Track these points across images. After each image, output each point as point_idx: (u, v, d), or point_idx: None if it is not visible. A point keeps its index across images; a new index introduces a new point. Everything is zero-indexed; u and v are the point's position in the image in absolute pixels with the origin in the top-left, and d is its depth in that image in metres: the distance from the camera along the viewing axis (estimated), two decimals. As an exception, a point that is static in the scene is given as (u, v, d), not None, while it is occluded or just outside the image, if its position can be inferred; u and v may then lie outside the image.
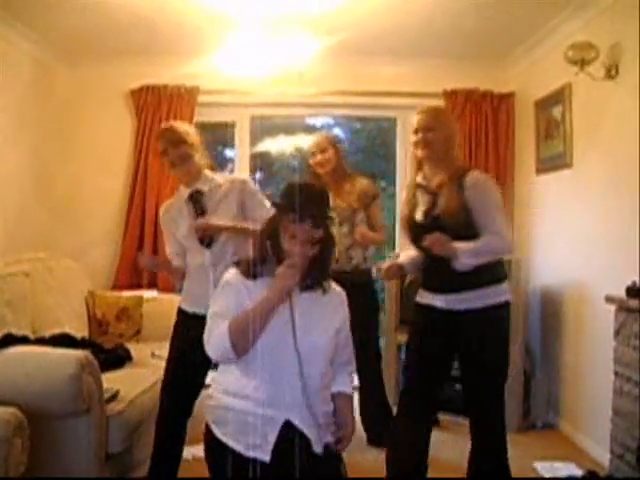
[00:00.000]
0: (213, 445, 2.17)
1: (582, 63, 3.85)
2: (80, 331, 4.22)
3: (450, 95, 5.34)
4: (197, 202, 3.19)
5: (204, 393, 2.89)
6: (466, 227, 2.95)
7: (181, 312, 3.25)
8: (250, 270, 2.18)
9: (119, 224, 5.41)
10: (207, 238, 3.13)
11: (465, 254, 2.88)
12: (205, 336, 2.18)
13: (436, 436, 3.35)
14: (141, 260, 3.43)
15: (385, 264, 3.21)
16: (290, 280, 2.07)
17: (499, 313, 3.06)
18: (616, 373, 3.44)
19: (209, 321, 2.20)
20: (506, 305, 3.09)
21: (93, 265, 5.24)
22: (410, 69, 5.35)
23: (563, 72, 4.19)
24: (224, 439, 2.12)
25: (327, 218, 2.19)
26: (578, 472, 3.65)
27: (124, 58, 5.30)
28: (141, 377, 3.60)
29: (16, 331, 3.34)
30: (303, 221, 2.08)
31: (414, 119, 3.14)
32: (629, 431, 3.28)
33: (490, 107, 5.36)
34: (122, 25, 4.61)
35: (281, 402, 2.07)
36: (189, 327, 3.13)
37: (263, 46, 4.56)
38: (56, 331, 3.76)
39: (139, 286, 5.16)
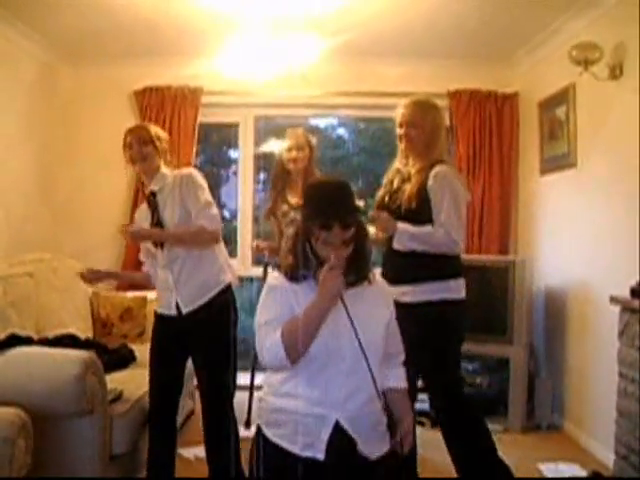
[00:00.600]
0: (264, 445, 2.14)
1: (586, 63, 3.85)
2: (84, 332, 4.23)
3: (454, 95, 5.34)
4: (151, 203, 3.23)
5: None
6: (422, 215, 3.08)
7: (155, 314, 3.30)
8: (294, 274, 2.13)
9: (123, 223, 5.40)
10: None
11: (403, 234, 3.04)
12: (258, 345, 2.10)
13: (439, 436, 3.34)
14: (85, 278, 3.44)
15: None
16: (334, 283, 2.01)
17: (434, 310, 3.09)
18: (620, 374, 3.43)
19: (260, 330, 2.11)
20: (446, 304, 3.11)
21: (97, 266, 5.18)
22: (414, 69, 5.35)
23: (567, 72, 4.18)
24: (278, 441, 2.10)
25: (355, 212, 2.11)
26: (582, 473, 3.64)
27: (128, 59, 5.31)
28: (145, 377, 3.56)
29: (20, 332, 3.35)
30: (332, 227, 2.02)
31: (399, 112, 3.23)
32: (633, 432, 3.27)
33: (494, 107, 5.36)
34: (125, 26, 4.62)
35: (332, 401, 2.04)
36: (160, 328, 3.25)
37: (267, 47, 4.55)
38: (60, 332, 3.77)
39: (143, 287, 5.14)
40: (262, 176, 6.28)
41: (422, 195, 3.09)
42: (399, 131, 3.23)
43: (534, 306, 4.90)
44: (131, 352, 4.00)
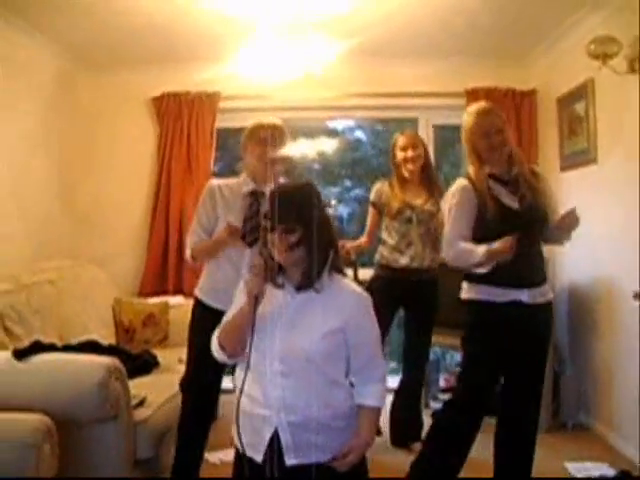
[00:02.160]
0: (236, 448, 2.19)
1: (604, 57, 3.80)
2: (107, 338, 4.25)
3: (471, 94, 5.31)
4: (255, 201, 3.12)
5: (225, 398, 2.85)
6: (547, 216, 3.11)
7: (203, 306, 3.17)
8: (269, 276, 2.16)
9: (144, 231, 5.44)
10: (251, 236, 3.03)
11: None
12: (213, 336, 2.24)
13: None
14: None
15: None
16: (253, 284, 2.07)
17: (551, 308, 3.18)
18: (647, 370, 3.40)
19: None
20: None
21: (119, 272, 5.28)
22: (431, 69, 5.33)
23: (585, 67, 4.14)
24: (235, 437, 2.14)
25: (304, 217, 2.09)
26: (611, 472, 3.60)
27: (145, 66, 5.34)
28: (168, 383, 3.60)
29: (44, 339, 3.37)
30: (275, 229, 2.08)
31: (471, 119, 3.15)
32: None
33: (512, 105, 5.32)
34: (142, 33, 4.65)
35: (271, 403, 2.06)
36: (212, 323, 3.13)
37: (282, 50, 4.56)
38: (83, 338, 3.79)
39: (165, 292, 5.18)
40: (281, 180, 6.27)
41: (545, 198, 3.14)
42: (487, 141, 3.08)
43: (558, 303, 4.85)
44: (154, 358, 4.01)
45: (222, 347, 2.15)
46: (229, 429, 2.20)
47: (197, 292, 3.26)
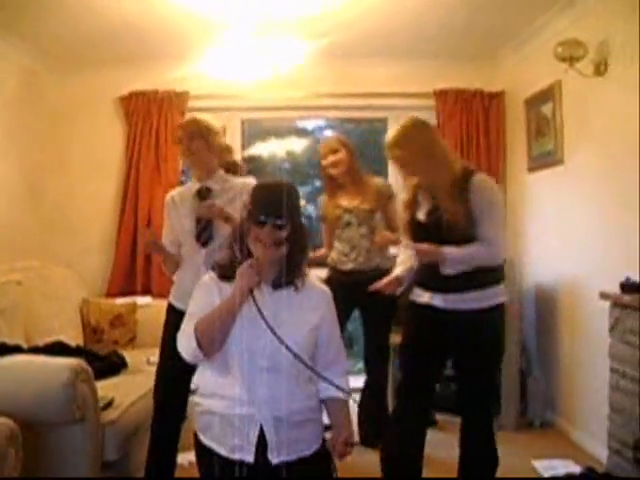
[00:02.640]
0: (201, 452, 2.18)
1: (571, 60, 3.86)
2: (74, 339, 4.21)
3: (440, 95, 5.35)
4: (203, 199, 3.14)
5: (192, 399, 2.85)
6: (466, 230, 2.95)
7: (172, 309, 3.19)
8: (224, 271, 2.19)
9: (112, 231, 5.39)
10: (204, 235, 3.10)
11: (452, 261, 2.94)
12: (178, 336, 2.19)
13: (433, 436, 3.34)
14: (146, 234, 3.38)
15: (384, 281, 3.22)
16: (249, 280, 2.06)
17: (494, 315, 3.05)
18: (612, 369, 3.44)
19: (183, 322, 2.21)
20: (501, 307, 3.08)
21: (87, 272, 5.22)
22: (400, 70, 5.35)
23: (552, 69, 4.19)
24: (209, 444, 2.13)
25: (293, 215, 2.14)
26: (576, 469, 3.64)
27: (113, 65, 5.29)
28: (136, 384, 3.58)
29: (9, 341, 3.33)
30: (265, 224, 2.09)
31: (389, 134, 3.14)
32: (626, 427, 3.28)
33: (481, 106, 5.36)
34: (110, 32, 4.60)
35: (256, 400, 2.06)
36: (176, 320, 3.14)
37: (252, 50, 4.55)
38: (50, 340, 3.75)
39: (133, 292, 5.14)
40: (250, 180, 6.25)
41: (466, 209, 2.95)
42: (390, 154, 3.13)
43: (524, 304, 4.90)
44: (122, 359, 3.98)
45: (200, 345, 2.08)
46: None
47: (170, 298, 3.28)
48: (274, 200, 2.09)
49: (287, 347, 2.04)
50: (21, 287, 3.99)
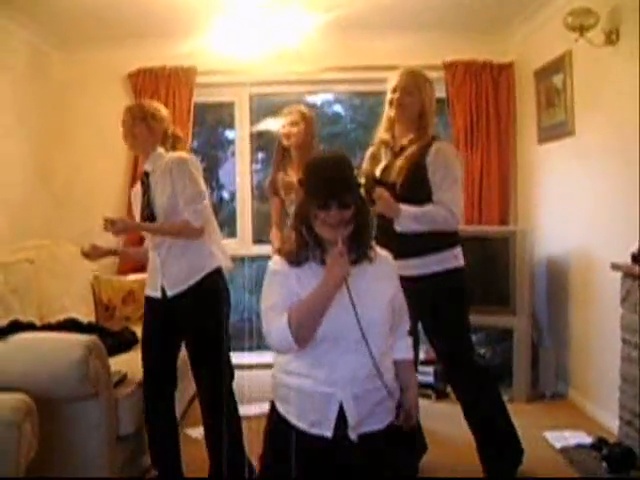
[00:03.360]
0: (277, 422, 2.16)
1: (581, 29, 3.81)
2: (86, 316, 4.24)
3: (450, 67, 5.31)
4: (144, 183, 3.22)
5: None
6: (418, 191, 3.02)
7: (145, 297, 3.31)
8: (295, 257, 2.10)
9: (122, 208, 5.40)
10: (147, 218, 3.20)
11: (406, 217, 2.96)
12: (264, 331, 2.10)
13: (445, 408, 3.37)
14: (86, 254, 3.47)
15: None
16: (341, 269, 1.98)
17: (441, 280, 3.11)
18: (624, 340, 3.44)
19: (266, 315, 2.10)
20: (449, 272, 3.12)
21: (98, 249, 5.23)
22: (409, 42, 5.31)
23: (563, 40, 4.15)
24: (287, 417, 2.12)
25: (354, 190, 2.06)
26: (588, 440, 3.65)
27: (120, 41, 5.26)
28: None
29: (22, 318, 3.35)
30: (330, 206, 1.99)
31: (394, 78, 3.18)
32: (637, 398, 3.28)
33: (490, 78, 5.32)
34: (116, 8, 4.57)
35: (337, 380, 2.03)
36: (148, 310, 3.27)
37: (259, 24, 4.52)
38: (62, 317, 3.77)
39: (144, 269, 5.14)
40: (260, 155, 6.25)
41: (419, 171, 3.03)
42: (392, 96, 3.15)
43: (536, 275, 4.90)
44: (134, 334, 4.00)
45: (296, 338, 1.99)
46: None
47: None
48: (335, 178, 2.02)
49: (361, 329, 2.00)
50: (32, 265, 4.02)
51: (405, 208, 2.97)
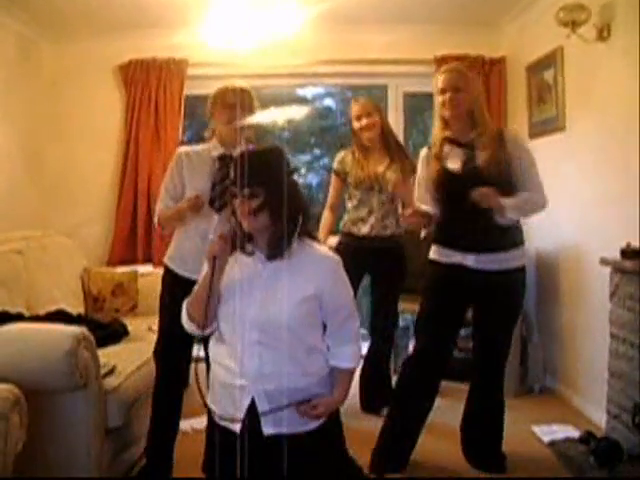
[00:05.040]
0: (210, 413, 2.20)
1: (573, 25, 3.82)
2: (76, 308, 4.22)
3: (441, 61, 5.27)
4: (225, 166, 3.03)
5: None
6: (504, 181, 3.03)
7: (172, 275, 3.15)
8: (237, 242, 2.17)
9: (112, 199, 5.39)
10: (220, 202, 2.99)
11: (511, 208, 2.98)
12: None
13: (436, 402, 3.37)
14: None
15: (407, 210, 3.20)
16: (216, 250, 2.09)
17: (521, 277, 3.19)
18: (612, 335, 3.46)
19: None
20: (524, 269, 3.20)
21: (87, 241, 5.23)
22: (401, 36, 5.30)
23: (554, 35, 4.15)
24: (210, 406, 2.18)
25: (271, 184, 2.07)
26: (576, 434, 3.67)
27: (111, 33, 5.25)
28: (138, 351, 3.59)
29: (11, 309, 3.33)
30: (237, 194, 2.07)
31: (439, 78, 3.17)
32: (625, 392, 3.30)
33: (482, 72, 5.31)
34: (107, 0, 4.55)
35: (247, 372, 2.07)
36: (182, 291, 3.11)
37: (250, 16, 4.51)
38: (51, 308, 3.76)
39: (134, 261, 5.15)
40: (251, 148, 6.21)
41: (504, 161, 3.05)
42: (442, 97, 3.12)
43: (525, 270, 4.90)
44: (123, 326, 3.99)
45: (191, 318, 2.15)
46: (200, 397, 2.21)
47: (166, 260, 3.23)
48: (245, 169, 2.05)
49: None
50: (22, 257, 4.00)
51: (506, 200, 2.98)
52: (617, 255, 3.38)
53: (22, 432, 2.43)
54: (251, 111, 3.11)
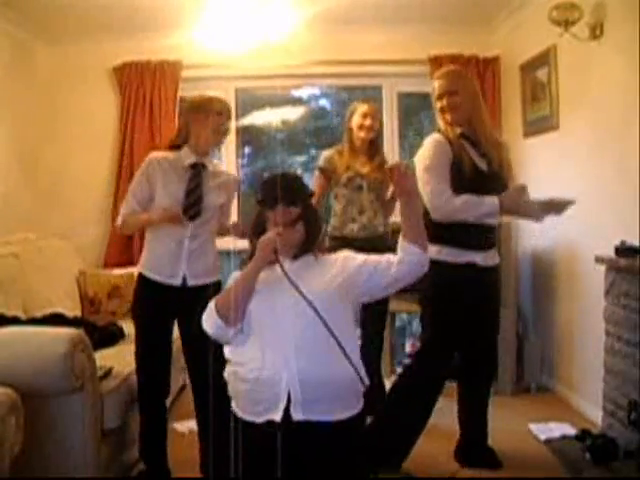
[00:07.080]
0: (236, 421, 2.21)
1: (566, 24, 3.84)
2: (72, 310, 4.22)
3: (435, 61, 5.30)
4: (197, 174, 3.13)
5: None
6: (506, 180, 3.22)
7: (147, 281, 3.14)
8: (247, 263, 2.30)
9: (107, 202, 5.39)
10: (193, 210, 3.06)
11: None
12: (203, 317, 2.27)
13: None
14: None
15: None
16: (266, 248, 2.22)
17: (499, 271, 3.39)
18: (607, 332, 3.47)
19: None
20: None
21: (83, 244, 5.22)
22: (395, 36, 5.31)
23: (548, 34, 4.16)
24: (239, 413, 2.20)
25: (303, 199, 2.35)
26: (572, 432, 3.68)
27: (105, 35, 5.25)
28: (134, 354, 3.59)
29: (7, 312, 3.33)
30: (276, 205, 2.27)
31: (434, 85, 3.20)
32: (620, 389, 3.31)
33: (476, 72, 5.32)
34: (102, 1, 4.55)
35: (282, 361, 2.10)
36: (158, 297, 3.13)
37: (245, 18, 4.52)
38: (48, 311, 3.76)
39: (130, 263, 5.14)
40: (246, 150, 6.24)
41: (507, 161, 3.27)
42: (440, 103, 3.16)
43: (521, 268, 4.92)
44: (120, 329, 3.99)
45: (222, 316, 2.18)
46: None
47: (143, 270, 3.19)
48: (283, 184, 2.27)
49: (311, 304, 2.13)
50: (18, 259, 4.00)
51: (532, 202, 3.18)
52: (612, 253, 3.39)
53: (19, 435, 2.43)
54: (230, 119, 3.24)
